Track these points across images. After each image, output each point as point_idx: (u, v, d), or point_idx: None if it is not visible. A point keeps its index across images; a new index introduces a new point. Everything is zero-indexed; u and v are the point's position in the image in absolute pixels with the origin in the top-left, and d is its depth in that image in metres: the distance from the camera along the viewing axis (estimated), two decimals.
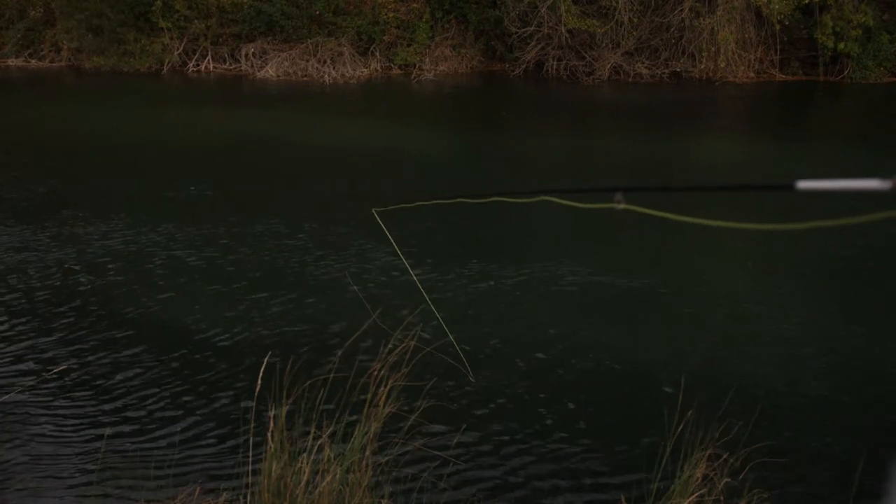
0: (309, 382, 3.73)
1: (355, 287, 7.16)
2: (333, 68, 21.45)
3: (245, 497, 3.60)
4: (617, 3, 19.83)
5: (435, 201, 3.79)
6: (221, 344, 6.62)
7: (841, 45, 18.97)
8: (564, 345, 6.51)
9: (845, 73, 19.54)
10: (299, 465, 3.45)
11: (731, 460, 3.62)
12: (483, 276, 7.91)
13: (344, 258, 8.44)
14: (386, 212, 4.51)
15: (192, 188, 11.39)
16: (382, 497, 3.63)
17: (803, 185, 1.44)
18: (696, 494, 3.40)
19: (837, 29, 18.88)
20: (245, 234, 9.28)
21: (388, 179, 11.93)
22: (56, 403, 5.74)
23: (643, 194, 1.91)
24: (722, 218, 1.89)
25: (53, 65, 24.00)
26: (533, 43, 20.88)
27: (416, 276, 6.02)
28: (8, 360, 6.40)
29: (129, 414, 5.59)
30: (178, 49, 22.70)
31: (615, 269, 8.07)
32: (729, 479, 3.56)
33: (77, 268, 8.30)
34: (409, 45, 21.94)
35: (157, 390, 5.89)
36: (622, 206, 1.86)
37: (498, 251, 8.65)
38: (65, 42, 23.73)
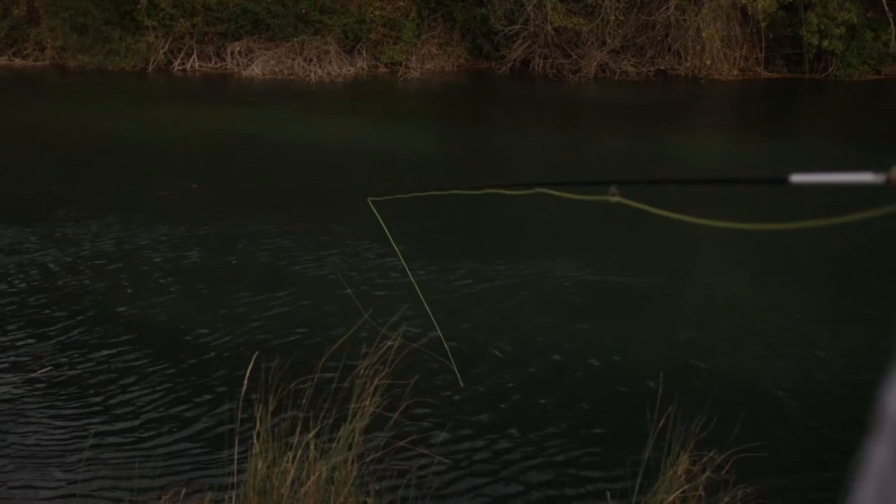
0: (296, 382, 3.72)
1: (347, 286, 7.13)
2: (319, 67, 21.40)
3: (230, 497, 3.59)
4: (603, 1, 19.87)
5: (430, 192, 3.80)
6: (209, 343, 6.60)
7: (825, 43, 19.06)
8: (552, 342, 6.52)
9: (830, 70, 19.65)
10: (284, 464, 3.45)
11: (717, 457, 3.63)
12: (475, 273, 7.91)
13: (336, 256, 8.42)
14: (381, 202, 4.51)
15: (194, 185, 11.36)
16: (368, 495, 3.63)
17: (797, 178, 1.44)
18: (680, 490, 3.41)
19: (822, 27, 18.97)
20: (235, 232, 9.24)
21: (377, 178, 11.91)
22: (41, 404, 5.70)
23: (637, 191, 1.91)
24: (715, 216, 1.90)
25: (38, 63, 23.82)
26: (519, 41, 20.90)
27: (409, 270, 5.98)
28: None
29: (115, 414, 5.56)
30: (163, 48, 22.57)
31: (607, 265, 8.09)
32: (714, 475, 3.58)
33: (66, 268, 8.25)
34: (395, 44, 21.90)
35: (142, 390, 5.86)
36: (616, 198, 1.86)
37: (491, 247, 8.66)
38: (49, 41, 23.54)
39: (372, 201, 4.57)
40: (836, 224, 1.51)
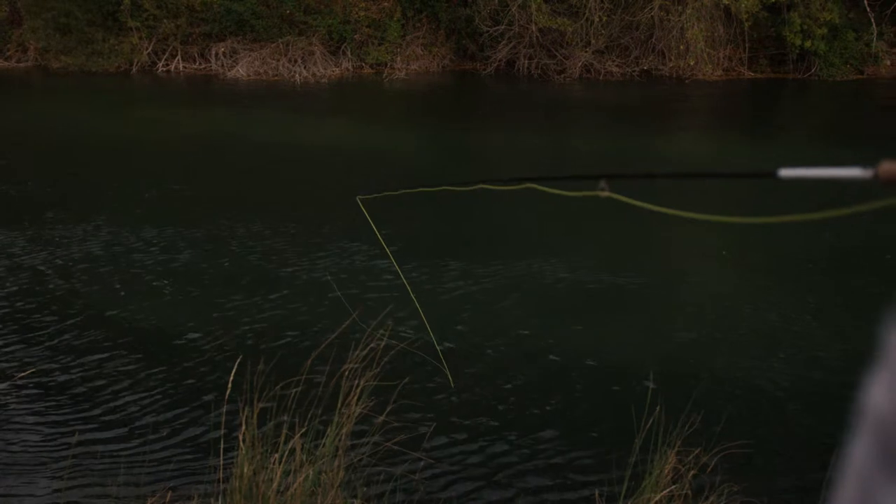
0: (283, 384, 3.70)
1: (336, 287, 7.10)
2: (304, 68, 21.33)
3: (216, 500, 3.56)
4: (587, 1, 19.91)
5: (420, 189, 3.78)
6: (197, 346, 6.56)
7: (808, 43, 19.18)
8: (544, 342, 6.53)
9: (813, 70, 19.76)
10: (271, 466, 3.43)
11: (704, 455, 3.64)
12: (466, 273, 7.90)
13: (325, 257, 8.40)
14: (370, 200, 4.49)
15: (149, 194, 11.07)
16: (355, 497, 3.62)
17: (785, 173, 1.45)
18: (667, 490, 3.42)
19: (804, 27, 19.08)
20: (223, 234, 9.20)
21: (363, 178, 11.86)
22: (26, 407, 5.65)
23: (627, 187, 1.91)
24: (704, 211, 1.90)
25: (20, 65, 23.62)
26: (504, 41, 20.91)
27: (399, 268, 5.95)
28: None
29: (100, 417, 5.52)
30: (147, 49, 22.43)
31: (598, 263, 8.11)
32: (701, 474, 3.58)
33: (54, 271, 8.18)
34: (380, 44, 21.87)
35: (128, 394, 5.82)
36: (606, 193, 1.86)
37: (481, 246, 8.67)
38: (31, 42, 23.34)
39: (361, 199, 4.55)
40: (826, 219, 1.51)
